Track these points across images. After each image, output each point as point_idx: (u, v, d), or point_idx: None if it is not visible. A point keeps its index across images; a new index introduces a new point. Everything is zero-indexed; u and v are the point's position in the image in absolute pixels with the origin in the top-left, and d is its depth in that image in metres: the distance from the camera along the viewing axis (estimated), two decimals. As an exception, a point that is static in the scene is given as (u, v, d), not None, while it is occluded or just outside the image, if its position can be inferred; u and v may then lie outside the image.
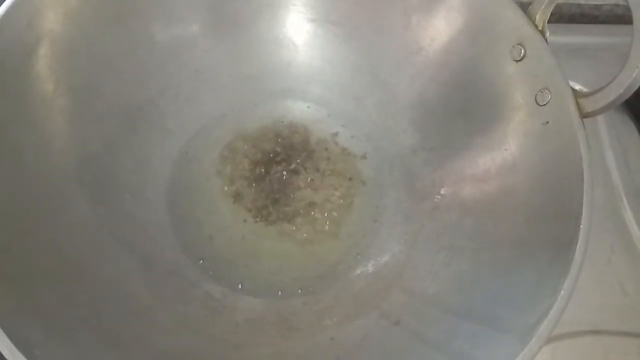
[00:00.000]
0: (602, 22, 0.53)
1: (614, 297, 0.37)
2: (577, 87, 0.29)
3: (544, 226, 0.28)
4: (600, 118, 0.45)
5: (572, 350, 0.35)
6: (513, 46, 0.31)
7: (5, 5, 0.28)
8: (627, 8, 0.27)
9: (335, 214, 0.35)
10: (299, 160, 0.37)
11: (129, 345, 0.27)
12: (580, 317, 0.36)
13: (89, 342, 0.25)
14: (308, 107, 0.38)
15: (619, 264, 0.39)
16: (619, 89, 0.27)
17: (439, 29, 0.35)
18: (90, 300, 0.27)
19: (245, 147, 0.37)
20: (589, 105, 0.28)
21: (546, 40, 0.31)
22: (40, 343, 0.23)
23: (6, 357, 0.22)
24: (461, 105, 0.34)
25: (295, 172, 0.36)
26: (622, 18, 0.53)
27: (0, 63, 0.28)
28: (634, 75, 0.26)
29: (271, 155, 0.37)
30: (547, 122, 0.30)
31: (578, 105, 0.29)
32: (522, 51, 0.31)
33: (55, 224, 0.28)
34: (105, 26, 0.33)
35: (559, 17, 0.52)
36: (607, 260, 0.39)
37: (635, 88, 0.27)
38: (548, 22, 0.31)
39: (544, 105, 0.30)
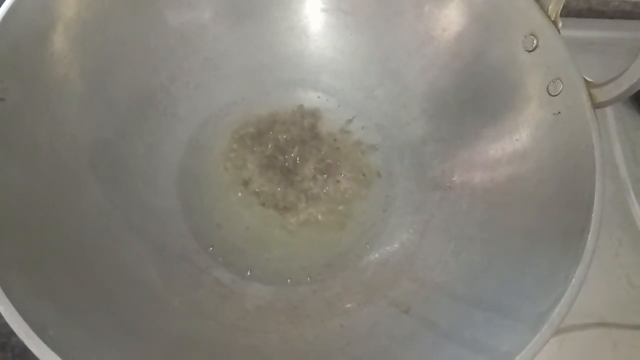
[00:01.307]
0: (610, 17, 0.54)
1: (621, 290, 0.38)
2: (585, 80, 0.30)
3: (556, 215, 0.28)
4: (608, 112, 0.45)
5: (579, 342, 0.35)
6: (525, 36, 0.31)
7: (19, -11, 0.28)
8: (635, 4, 0.27)
9: (344, 203, 0.36)
10: (309, 150, 0.37)
11: (141, 328, 0.27)
12: (587, 310, 0.36)
13: (103, 324, 0.25)
14: (319, 96, 0.38)
15: (627, 257, 0.39)
16: (632, 79, 0.27)
17: (451, 19, 0.35)
18: (104, 284, 0.27)
19: (256, 135, 0.37)
20: (601, 95, 0.29)
21: (559, 31, 0.31)
22: (55, 324, 0.23)
23: (21, 337, 0.22)
24: (472, 95, 0.34)
25: (305, 161, 0.36)
26: (630, 14, 0.53)
27: (14, 46, 0.28)
28: (646, 66, 0.26)
29: (281, 144, 0.37)
30: (559, 112, 0.30)
31: (590, 95, 0.29)
32: (535, 41, 0.31)
33: (69, 209, 0.28)
34: (118, 11, 0.33)
35: (567, 12, 0.52)
36: (614, 253, 0.39)
37: (648, 79, 0.27)
38: (559, 15, 0.31)
39: (556, 95, 0.30)
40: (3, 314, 0.22)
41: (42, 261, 0.25)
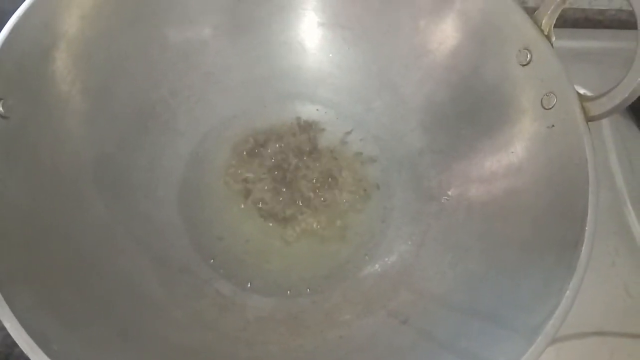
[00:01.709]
0: (606, 27, 0.54)
1: (618, 299, 0.38)
2: (581, 90, 0.30)
3: (550, 227, 0.28)
4: (605, 123, 0.45)
5: (577, 351, 0.35)
6: (519, 50, 0.32)
7: (22, 6, 0.29)
8: (631, 13, 0.28)
9: (343, 214, 0.36)
10: (308, 162, 0.37)
11: (144, 339, 0.27)
12: (585, 319, 0.36)
13: (105, 336, 0.26)
14: (317, 109, 0.39)
15: (623, 266, 0.39)
16: (624, 92, 0.28)
17: (447, 33, 0.35)
18: (106, 295, 0.28)
19: (255, 148, 0.37)
20: (594, 108, 0.29)
21: (552, 45, 0.31)
22: (58, 337, 0.23)
23: (25, 351, 0.22)
24: (468, 108, 0.35)
25: (305, 173, 0.37)
26: (626, 23, 0.54)
27: (18, 63, 0.28)
28: (639, 79, 0.27)
29: (280, 157, 0.37)
30: (553, 126, 0.30)
31: (583, 108, 0.29)
32: (529, 56, 0.32)
33: (72, 222, 0.29)
34: (120, 28, 0.33)
35: (564, 22, 0.52)
36: (611, 262, 0.39)
37: (641, 92, 0.27)
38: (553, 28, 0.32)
39: (550, 109, 0.30)
40: (8, 330, 0.22)
41: (45, 275, 0.26)
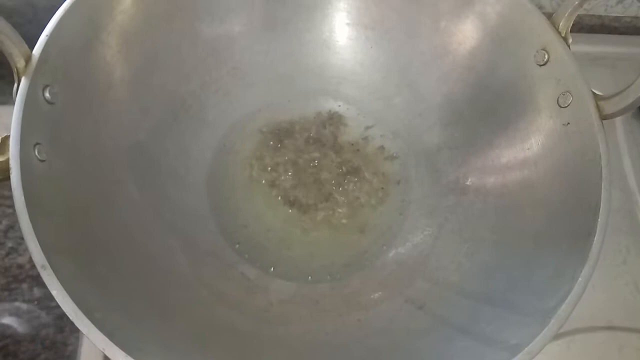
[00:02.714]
0: (622, 33, 0.55)
1: (628, 295, 0.39)
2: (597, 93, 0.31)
3: (564, 220, 0.30)
4: (618, 125, 0.46)
5: (587, 344, 0.36)
6: (537, 51, 0.33)
7: (68, 2, 0.31)
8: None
9: (362, 206, 0.37)
10: (330, 154, 0.39)
11: (174, 315, 0.29)
12: (595, 314, 0.37)
13: (139, 308, 0.27)
14: (340, 105, 0.41)
15: (634, 264, 0.40)
16: (637, 92, 0.29)
17: (466, 34, 0.37)
18: (139, 271, 0.29)
19: (279, 140, 0.39)
20: (608, 107, 0.30)
21: (569, 46, 0.32)
22: (97, 306, 0.25)
23: (71, 318, 0.23)
24: (486, 106, 0.36)
25: (327, 165, 0.38)
26: (642, 31, 0.55)
27: (63, 53, 0.30)
28: (651, 79, 0.28)
29: (303, 149, 0.39)
30: (569, 123, 0.31)
31: (598, 107, 0.30)
32: (546, 56, 0.33)
33: (108, 203, 0.31)
34: (155, 24, 0.35)
35: (580, 28, 0.53)
36: (622, 260, 0.40)
37: (653, 92, 0.28)
38: (570, 31, 0.33)
39: (566, 107, 0.32)
40: (55, 297, 0.24)
41: (86, 250, 0.27)
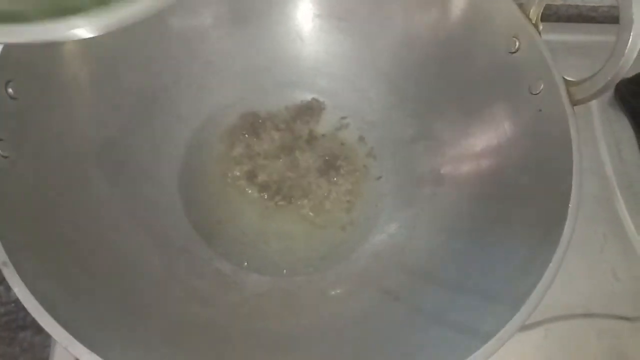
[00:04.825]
0: (599, 22, 0.55)
1: (606, 283, 0.39)
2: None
3: (537, 206, 0.30)
4: (595, 113, 0.46)
5: (565, 331, 0.36)
6: (508, 39, 0.33)
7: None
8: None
9: (338, 198, 0.37)
10: (305, 148, 0.38)
11: (146, 312, 0.28)
12: (573, 301, 0.37)
13: (107, 307, 0.27)
14: (314, 97, 0.40)
15: (612, 252, 0.40)
16: (607, 77, 0.29)
17: (438, 23, 0.37)
18: (108, 269, 0.29)
19: (254, 134, 0.39)
20: (579, 93, 0.30)
21: (539, 33, 0.32)
22: (63, 304, 0.24)
23: (32, 314, 0.23)
24: (460, 95, 0.36)
25: (302, 158, 0.38)
26: (617, 19, 0.55)
27: (27, 47, 0.29)
28: (620, 64, 0.28)
29: (279, 142, 0.38)
30: (540, 110, 0.31)
31: (569, 93, 0.30)
32: (517, 43, 0.33)
33: (76, 200, 0.30)
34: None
35: (558, 18, 0.54)
36: (600, 248, 0.40)
37: (621, 76, 0.28)
38: (547, 21, 0.33)
39: (537, 94, 0.32)
40: (17, 295, 0.23)
41: (51, 247, 0.27)
